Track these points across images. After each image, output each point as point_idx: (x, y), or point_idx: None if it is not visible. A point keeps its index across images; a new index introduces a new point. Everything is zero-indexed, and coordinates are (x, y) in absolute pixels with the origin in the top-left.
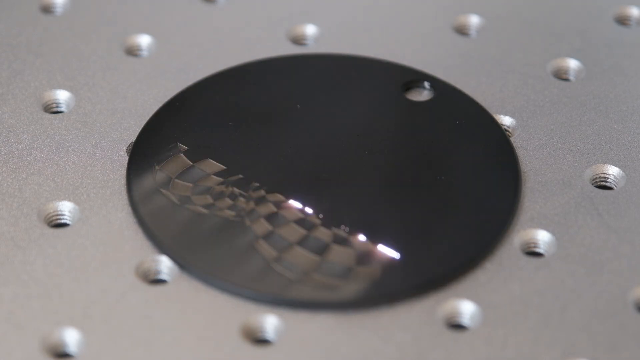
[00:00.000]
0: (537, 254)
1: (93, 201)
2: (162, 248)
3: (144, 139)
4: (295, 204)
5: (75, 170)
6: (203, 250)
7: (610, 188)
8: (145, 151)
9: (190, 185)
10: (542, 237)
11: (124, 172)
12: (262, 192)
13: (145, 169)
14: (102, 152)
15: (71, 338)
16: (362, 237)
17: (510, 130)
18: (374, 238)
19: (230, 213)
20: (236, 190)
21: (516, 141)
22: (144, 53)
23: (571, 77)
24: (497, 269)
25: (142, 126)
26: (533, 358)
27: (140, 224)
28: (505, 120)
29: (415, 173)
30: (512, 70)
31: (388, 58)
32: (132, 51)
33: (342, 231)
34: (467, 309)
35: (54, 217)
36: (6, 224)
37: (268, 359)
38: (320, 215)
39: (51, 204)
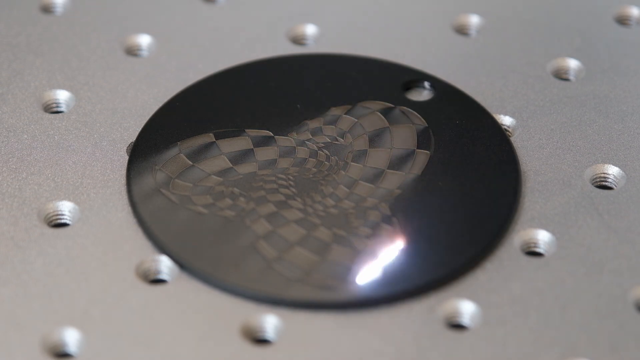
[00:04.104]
0: (537, 254)
1: (93, 201)
2: (162, 248)
3: (144, 139)
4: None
5: (75, 170)
6: (203, 250)
7: (610, 188)
8: (145, 151)
9: (190, 185)
10: (542, 237)
11: (124, 172)
12: (262, 192)
13: (145, 169)
14: (102, 152)
15: (71, 338)
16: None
17: (510, 130)
18: (375, 238)
19: (230, 213)
20: (236, 190)
21: (516, 141)
22: (144, 53)
23: (571, 77)
24: (497, 269)
25: (142, 126)
26: (533, 358)
27: (140, 224)
28: (505, 120)
29: (415, 173)
30: (512, 70)
31: (388, 58)
32: (132, 51)
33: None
34: (467, 309)
35: (54, 217)
36: (6, 224)
37: (268, 359)
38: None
39: (51, 204)
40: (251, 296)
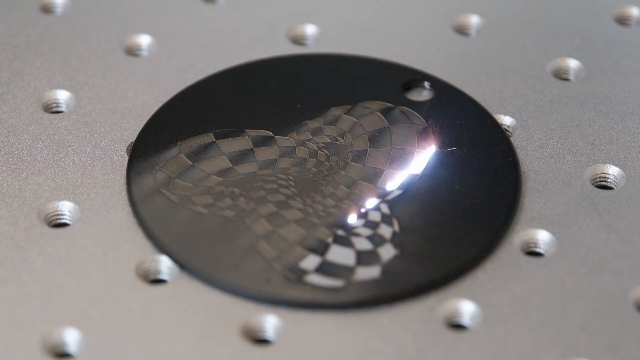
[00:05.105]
0: (537, 254)
1: (93, 201)
2: (162, 248)
3: (144, 139)
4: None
5: (75, 170)
6: (203, 250)
7: (610, 188)
8: (145, 151)
9: (190, 185)
10: (542, 237)
11: (124, 172)
12: (262, 192)
13: (145, 169)
14: (102, 152)
15: (71, 338)
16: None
17: (510, 130)
18: (374, 238)
19: (230, 213)
20: (236, 190)
21: (516, 141)
22: (144, 53)
23: (571, 77)
24: (497, 269)
25: (142, 126)
26: (533, 358)
27: (140, 224)
28: (505, 120)
29: (414, 173)
30: (512, 70)
31: (388, 58)
32: (132, 51)
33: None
34: (467, 309)
35: (54, 217)
36: (6, 224)
37: (268, 359)
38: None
39: (51, 204)
40: (251, 296)
